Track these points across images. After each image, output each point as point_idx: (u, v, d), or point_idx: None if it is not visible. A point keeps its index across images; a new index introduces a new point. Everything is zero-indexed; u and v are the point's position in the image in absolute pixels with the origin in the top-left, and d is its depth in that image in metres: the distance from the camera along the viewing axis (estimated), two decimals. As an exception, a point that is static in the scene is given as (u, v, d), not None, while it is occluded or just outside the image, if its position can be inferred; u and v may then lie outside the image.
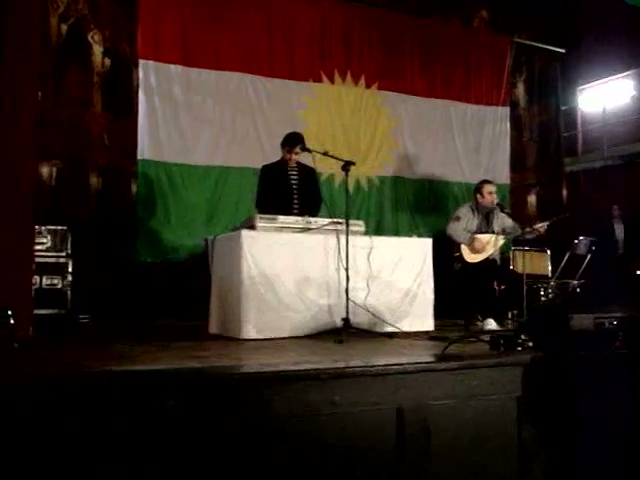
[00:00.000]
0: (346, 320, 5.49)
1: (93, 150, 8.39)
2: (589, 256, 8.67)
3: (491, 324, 6.49)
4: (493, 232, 7.09)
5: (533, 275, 8.26)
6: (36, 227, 5.84)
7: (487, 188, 7.17)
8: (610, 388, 4.15)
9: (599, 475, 4.11)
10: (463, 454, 3.83)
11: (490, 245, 7.00)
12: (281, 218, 5.84)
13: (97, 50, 8.51)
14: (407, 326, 5.99)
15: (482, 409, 3.92)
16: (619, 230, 10.60)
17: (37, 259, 5.98)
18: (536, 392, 4.07)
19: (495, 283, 7.21)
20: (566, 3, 11.66)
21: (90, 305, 6.92)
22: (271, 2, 8.87)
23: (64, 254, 6.66)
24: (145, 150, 7.97)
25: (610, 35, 11.72)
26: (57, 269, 6.59)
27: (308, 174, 6.69)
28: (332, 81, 9.29)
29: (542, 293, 8.12)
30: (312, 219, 6.02)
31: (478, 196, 7.19)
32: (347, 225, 5.74)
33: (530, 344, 4.35)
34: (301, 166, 6.69)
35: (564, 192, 12.03)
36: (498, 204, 7.20)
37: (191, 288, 6.96)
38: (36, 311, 5.59)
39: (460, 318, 6.85)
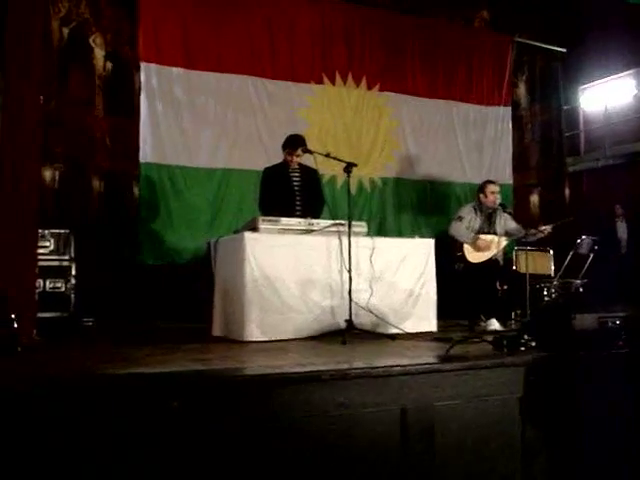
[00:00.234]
0: (349, 321, 5.49)
1: (95, 153, 8.41)
2: (592, 255, 8.66)
3: (494, 324, 6.49)
4: (495, 233, 7.09)
5: (536, 275, 8.24)
6: (39, 230, 5.84)
7: (490, 188, 7.17)
8: (613, 387, 4.16)
9: (601, 475, 4.11)
10: (467, 454, 3.84)
11: (493, 245, 7.00)
12: (284, 220, 5.84)
13: (99, 53, 8.53)
14: (410, 327, 5.98)
15: (485, 409, 3.93)
16: (622, 229, 10.60)
17: (40, 262, 5.98)
18: (539, 392, 4.07)
19: (498, 283, 7.20)
20: (567, 2, 11.66)
21: (93, 308, 6.93)
22: (272, 4, 8.88)
23: (67, 257, 6.67)
24: (147, 153, 7.98)
25: (611, 34, 11.72)
26: (60, 272, 6.60)
27: (310, 176, 6.69)
28: (333, 82, 9.29)
29: (545, 293, 8.11)
30: (314, 221, 6.02)
31: (481, 196, 7.19)
32: (349, 226, 5.74)
33: (533, 344, 4.35)
34: (303, 168, 6.69)
35: (567, 192, 12.02)
36: (500, 204, 7.19)
37: (194, 290, 6.96)
38: (40, 314, 5.59)
39: (463, 318, 6.84)
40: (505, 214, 7.26)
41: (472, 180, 9.89)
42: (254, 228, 5.69)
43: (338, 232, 5.84)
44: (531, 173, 11.58)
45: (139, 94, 8.09)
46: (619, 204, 10.65)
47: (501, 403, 3.98)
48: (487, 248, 6.96)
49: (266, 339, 5.38)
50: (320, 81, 9.20)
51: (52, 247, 6.60)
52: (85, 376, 3.51)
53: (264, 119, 8.74)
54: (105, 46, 8.55)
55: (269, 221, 5.77)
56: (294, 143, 6.55)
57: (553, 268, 8.87)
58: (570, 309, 4.77)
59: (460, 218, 7.13)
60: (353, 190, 8.71)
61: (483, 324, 6.62)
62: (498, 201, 7.16)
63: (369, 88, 9.54)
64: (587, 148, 13.00)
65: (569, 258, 8.44)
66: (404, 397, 3.64)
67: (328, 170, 8.35)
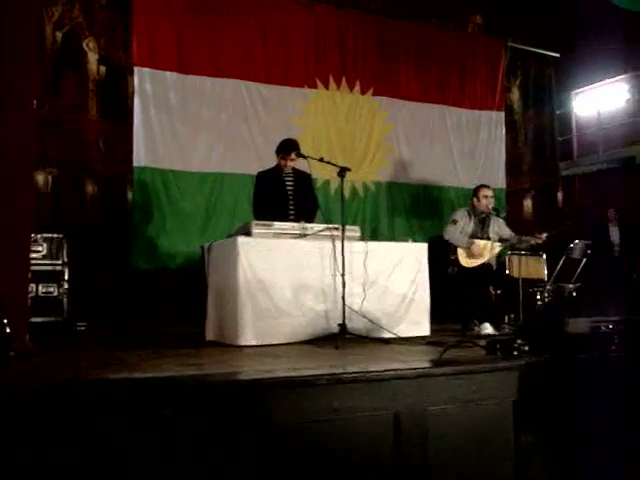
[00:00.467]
0: (342, 326, 5.48)
1: (89, 157, 8.39)
2: (585, 260, 8.68)
3: (487, 329, 6.49)
4: (488, 237, 7.09)
5: (529, 279, 8.26)
6: (32, 235, 5.83)
7: (483, 192, 7.17)
8: (607, 391, 4.16)
9: (596, 478, 4.11)
10: (461, 459, 3.83)
11: (487, 251, 7.01)
12: (277, 224, 5.83)
13: (92, 57, 8.51)
14: (404, 331, 5.98)
15: (479, 414, 3.92)
16: (615, 233, 10.63)
17: (33, 267, 5.97)
18: (533, 396, 4.08)
19: (491, 287, 7.21)
20: (560, 8, 11.69)
21: (86, 312, 6.92)
22: (266, 9, 8.90)
23: (60, 262, 6.66)
24: (141, 157, 7.99)
25: (604, 39, 11.77)
26: (53, 277, 6.59)
27: (304, 180, 6.69)
28: (327, 87, 9.32)
29: (538, 297, 8.12)
30: (308, 225, 6.01)
31: (474, 200, 7.20)
32: (343, 231, 5.74)
33: (526, 348, 4.36)
34: (297, 172, 6.69)
35: (560, 196, 12.05)
36: (494, 209, 7.20)
37: (187, 295, 6.95)
38: (32, 319, 5.57)
39: (457, 323, 6.85)
40: (499, 219, 7.26)
41: (465, 184, 9.93)
42: (247, 232, 5.68)
43: (332, 236, 5.83)
44: (524, 177, 11.60)
45: (133, 98, 8.11)
46: (612, 208, 10.68)
47: (495, 407, 3.98)
48: (481, 253, 6.96)
49: (259, 343, 5.36)
50: (314, 85, 9.23)
51: (45, 251, 6.59)
52: (78, 381, 3.50)
53: (258, 123, 8.76)
54: (99, 50, 8.54)
55: (262, 225, 5.76)
56: (288, 147, 6.55)
57: (546, 272, 8.89)
58: (563, 313, 4.78)
59: (454, 222, 7.14)
60: (347, 194, 8.75)
61: (476, 328, 6.62)
62: (491, 205, 7.16)
63: (363, 92, 9.57)
64: (580, 153, 13.05)
65: (562, 262, 8.45)
66: (397, 402, 3.63)
67: (322, 174, 8.38)
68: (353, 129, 9.48)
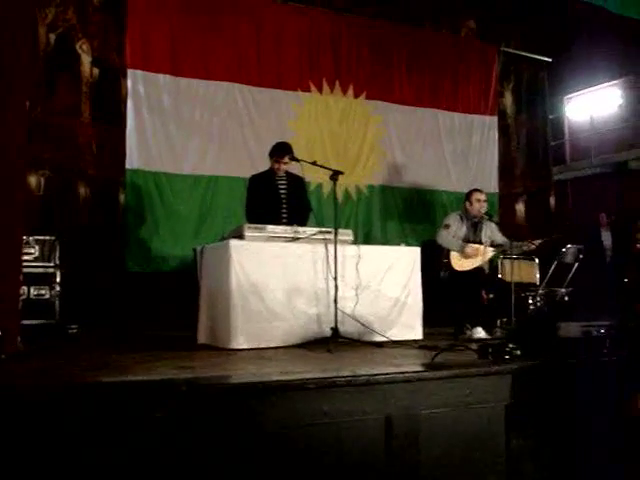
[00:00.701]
0: (335, 329, 5.49)
1: (82, 160, 8.36)
2: (577, 264, 8.69)
3: (480, 333, 6.49)
4: (480, 242, 7.10)
5: (521, 283, 8.27)
6: (24, 237, 5.81)
7: (475, 196, 7.18)
8: (598, 395, 4.17)
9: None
10: (452, 462, 3.84)
11: (479, 254, 7.02)
12: (270, 228, 5.83)
13: (85, 60, 8.49)
14: (396, 335, 5.98)
15: (471, 418, 3.93)
16: (607, 238, 10.66)
17: (25, 269, 5.95)
18: (525, 400, 4.09)
19: (483, 291, 7.21)
20: (553, 13, 11.73)
21: (79, 315, 6.90)
22: (260, 12, 8.91)
23: (52, 264, 6.64)
24: (134, 160, 7.99)
25: (597, 44, 11.82)
26: (45, 279, 6.57)
27: (297, 183, 6.70)
28: (320, 90, 9.32)
29: (530, 301, 8.13)
30: (301, 228, 6.01)
31: (467, 204, 7.21)
32: (335, 234, 5.74)
33: (518, 353, 4.36)
34: (290, 175, 6.69)
35: (552, 200, 12.07)
36: (486, 213, 7.21)
37: (180, 298, 6.94)
38: (24, 321, 5.56)
39: (449, 326, 6.85)
40: (491, 224, 7.27)
41: (458, 188, 9.95)
42: (240, 235, 5.68)
43: (324, 240, 5.84)
44: (517, 182, 11.62)
45: (126, 101, 8.11)
46: (604, 213, 10.71)
47: (487, 411, 3.99)
48: (474, 257, 6.97)
49: (251, 347, 5.36)
50: (307, 89, 9.23)
51: (37, 254, 6.57)
52: (70, 383, 3.49)
53: (251, 126, 8.76)
54: (92, 52, 8.51)
55: (255, 228, 5.76)
56: (281, 151, 6.55)
57: (538, 276, 8.90)
58: (555, 317, 4.79)
59: (447, 226, 7.14)
60: (340, 198, 8.75)
61: (468, 332, 6.62)
62: (484, 210, 7.18)
63: (356, 96, 9.58)
64: (573, 157, 13.10)
65: (554, 266, 8.47)
66: (389, 405, 3.64)
67: (315, 178, 8.39)
68: (346, 133, 9.49)
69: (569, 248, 8.62)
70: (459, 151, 10.42)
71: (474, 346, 4.82)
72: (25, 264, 6.04)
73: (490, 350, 4.44)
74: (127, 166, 7.97)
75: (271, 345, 5.47)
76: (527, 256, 8.42)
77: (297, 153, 6.58)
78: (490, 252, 7.15)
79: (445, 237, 7.06)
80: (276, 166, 6.58)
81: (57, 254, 6.68)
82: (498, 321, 7.44)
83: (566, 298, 8.39)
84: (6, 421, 2.88)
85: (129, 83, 8.07)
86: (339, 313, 5.54)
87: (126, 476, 3.04)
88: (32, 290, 6.47)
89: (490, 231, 7.23)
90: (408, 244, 7.21)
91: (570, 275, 8.62)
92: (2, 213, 4.93)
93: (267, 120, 8.85)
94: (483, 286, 7.15)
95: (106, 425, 3.02)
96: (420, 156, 10.07)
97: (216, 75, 8.58)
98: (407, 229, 9.79)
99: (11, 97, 5.05)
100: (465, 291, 6.83)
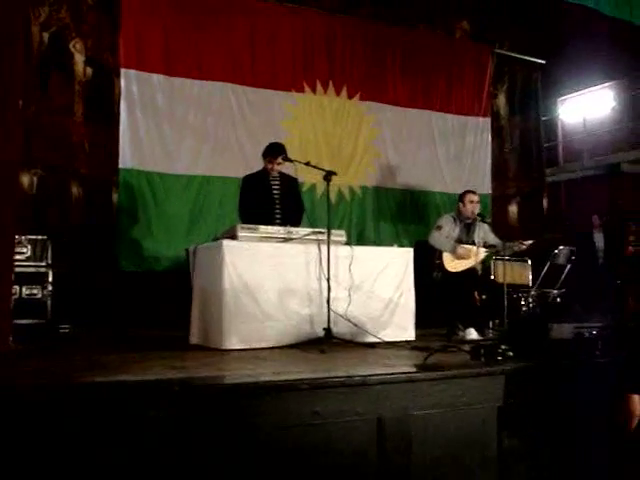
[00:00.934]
0: (328, 330, 5.49)
1: (74, 159, 8.34)
2: (569, 266, 8.71)
3: (472, 334, 6.50)
4: (473, 243, 7.11)
5: (514, 285, 8.27)
6: (16, 236, 5.79)
7: (468, 197, 7.20)
8: (591, 397, 4.18)
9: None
10: (444, 464, 3.85)
11: (472, 255, 7.03)
12: (263, 228, 5.83)
13: (79, 59, 8.47)
14: (389, 336, 5.98)
15: (463, 419, 3.94)
16: (599, 239, 10.68)
17: (17, 269, 5.93)
18: (517, 401, 4.09)
19: (476, 293, 7.23)
20: (547, 15, 11.75)
21: (71, 315, 6.88)
22: (254, 12, 8.89)
23: (44, 264, 6.62)
24: (127, 159, 7.97)
25: (590, 46, 11.85)
26: (37, 279, 6.55)
27: (290, 184, 6.70)
28: (314, 91, 9.32)
29: (523, 303, 8.14)
30: (294, 229, 6.01)
31: (460, 205, 7.23)
32: (329, 235, 5.74)
33: (511, 354, 4.37)
34: (283, 176, 6.68)
35: (545, 202, 12.10)
36: (479, 214, 7.23)
37: (172, 298, 6.93)
38: (16, 321, 5.55)
39: (442, 327, 6.86)
40: (484, 225, 7.29)
41: (451, 190, 9.95)
42: (233, 236, 5.67)
43: (317, 241, 5.83)
44: (510, 183, 11.64)
45: (119, 100, 8.08)
46: (597, 215, 10.74)
47: (479, 412, 3.99)
48: (466, 257, 6.98)
49: (244, 347, 5.35)
50: (301, 89, 9.23)
51: (29, 253, 6.55)
52: (62, 383, 3.48)
53: (244, 127, 8.75)
54: (85, 52, 8.49)
55: (248, 229, 5.75)
56: (274, 151, 6.55)
57: (531, 278, 8.91)
58: (547, 319, 4.80)
59: (439, 227, 7.16)
60: (333, 199, 8.73)
61: (461, 333, 6.64)
62: (477, 211, 7.19)
63: (350, 97, 9.58)
64: (566, 159, 13.12)
65: (547, 268, 8.48)
66: (381, 406, 3.64)
67: (308, 178, 8.39)
68: (340, 133, 9.49)
69: (561, 249, 8.64)
70: (452, 152, 10.43)
71: (467, 347, 4.82)
72: (17, 263, 6.02)
73: (482, 351, 4.44)
74: (120, 165, 7.95)
75: (264, 345, 5.46)
76: (519, 257, 8.44)
77: (290, 153, 6.57)
78: (482, 253, 7.17)
79: (437, 238, 7.07)
80: (269, 166, 6.58)
81: (49, 253, 6.65)
82: (491, 322, 7.46)
83: (558, 299, 8.40)
84: (-3, 421, 2.88)
85: (122, 83, 8.04)
86: (332, 314, 5.54)
87: (120, 475, 3.03)
88: (24, 289, 6.44)
89: (483, 232, 7.25)
90: (401, 245, 7.22)
91: (562, 277, 8.63)
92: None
93: (261, 120, 8.84)
94: (476, 287, 7.17)
95: (98, 425, 3.01)
96: (413, 157, 10.07)
97: (210, 75, 8.56)
98: (400, 230, 9.79)
99: (4, 96, 5.04)
100: (458, 292, 6.84)
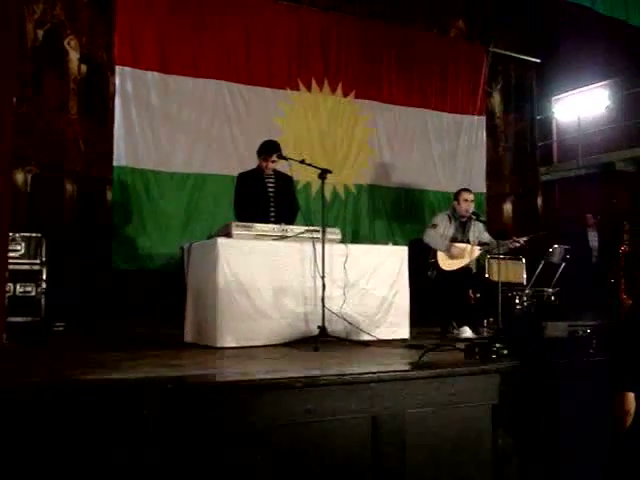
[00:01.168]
0: (322, 328, 5.48)
1: (69, 157, 8.33)
2: (563, 264, 8.73)
3: (466, 332, 6.50)
4: (468, 241, 7.12)
5: (508, 283, 8.30)
6: (10, 234, 5.77)
7: (463, 195, 7.20)
8: (584, 395, 4.18)
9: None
10: (438, 462, 3.84)
11: (466, 254, 7.03)
12: (257, 226, 5.81)
13: (73, 56, 8.46)
14: (383, 334, 5.98)
15: (457, 417, 3.93)
16: (593, 238, 10.69)
17: (11, 266, 5.90)
18: (511, 400, 4.09)
19: (470, 291, 7.23)
20: (542, 14, 11.76)
21: (65, 313, 6.87)
22: (249, 10, 8.89)
23: (38, 261, 6.61)
24: (121, 157, 7.97)
25: (585, 45, 11.84)
26: (31, 276, 6.54)
27: (285, 182, 6.68)
28: (309, 89, 9.32)
29: (517, 301, 8.16)
30: (288, 227, 5.99)
31: (455, 203, 7.23)
32: (323, 233, 5.74)
33: (505, 352, 4.37)
34: (278, 174, 6.67)
35: (539, 201, 12.14)
36: (473, 213, 7.23)
37: (167, 296, 6.92)
38: (10, 319, 5.53)
39: (436, 326, 6.86)
40: (479, 223, 7.29)
41: (446, 188, 9.97)
42: (228, 234, 5.66)
43: (312, 239, 5.82)
44: (504, 182, 11.67)
45: (114, 98, 8.07)
46: (591, 213, 10.74)
47: (473, 411, 3.99)
48: (460, 256, 6.98)
49: (238, 345, 5.34)
50: (296, 87, 9.23)
51: (23, 251, 6.54)
52: (54, 382, 3.48)
53: (239, 124, 8.75)
54: (80, 49, 8.48)
55: (243, 227, 5.73)
56: (269, 149, 6.53)
57: (525, 276, 8.93)
58: (541, 317, 4.80)
59: (434, 226, 7.16)
60: (328, 197, 8.75)
61: (455, 331, 6.64)
62: (471, 209, 7.19)
63: (345, 95, 9.59)
64: (560, 158, 13.10)
65: (541, 267, 8.50)
66: (376, 404, 3.63)
67: (303, 177, 8.38)
68: (335, 131, 9.49)
69: (556, 248, 8.66)
70: (447, 151, 10.45)
71: (461, 345, 4.82)
72: (11, 261, 5.99)
73: (477, 350, 4.44)
74: (114, 163, 7.94)
75: (258, 344, 5.45)
76: (514, 254, 8.45)
77: (285, 151, 6.56)
78: (477, 251, 7.17)
79: (432, 236, 7.07)
80: (264, 164, 6.56)
81: (43, 251, 6.64)
82: (485, 321, 7.47)
83: (553, 298, 8.42)
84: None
85: (117, 80, 8.04)
86: (326, 312, 5.53)
87: (113, 474, 3.02)
88: (18, 287, 6.43)
89: (478, 231, 7.25)
90: (396, 243, 7.22)
91: (557, 275, 8.65)
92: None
93: (255, 118, 8.84)
94: (470, 286, 7.18)
95: (91, 424, 3.01)
96: (408, 155, 10.09)
97: (205, 73, 8.56)
98: (395, 228, 9.81)
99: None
100: (452, 290, 6.84)
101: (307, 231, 5.93)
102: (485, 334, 6.74)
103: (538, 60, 11.66)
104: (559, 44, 12.12)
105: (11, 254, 6.09)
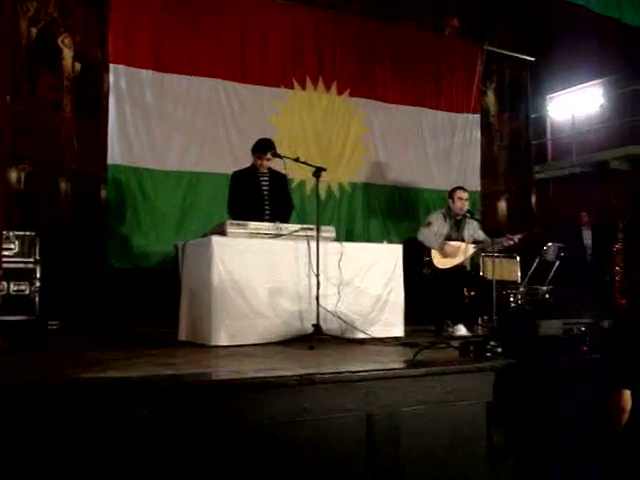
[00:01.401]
0: (317, 326, 5.48)
1: (63, 155, 8.32)
2: (558, 262, 8.74)
3: (461, 330, 6.52)
4: (463, 239, 7.12)
5: (503, 281, 8.31)
6: (4, 232, 5.76)
7: (458, 194, 7.21)
8: (579, 392, 4.19)
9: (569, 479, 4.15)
10: (433, 460, 3.85)
11: (461, 252, 7.03)
12: (252, 224, 5.81)
13: (67, 54, 8.44)
14: (378, 332, 5.99)
15: (452, 415, 3.94)
16: (587, 236, 10.70)
17: (5, 265, 5.91)
18: (505, 397, 4.10)
19: (465, 289, 7.24)
20: (536, 12, 11.77)
21: (59, 311, 6.85)
22: (244, 8, 8.88)
23: (32, 260, 6.60)
24: (115, 155, 7.94)
25: (579, 44, 11.85)
26: (25, 275, 6.53)
27: (279, 180, 6.67)
28: (304, 87, 9.31)
29: (512, 299, 8.18)
30: (283, 225, 5.99)
31: (450, 201, 7.24)
32: (318, 231, 5.73)
33: (499, 350, 4.38)
34: (272, 172, 6.67)
35: (533, 199, 12.15)
36: (468, 211, 7.23)
37: (161, 294, 6.91)
38: (3, 317, 5.53)
39: (430, 324, 6.87)
40: (473, 221, 7.29)
41: (441, 186, 9.97)
42: (222, 232, 5.65)
43: (307, 237, 5.83)
44: (499, 180, 11.69)
45: (108, 96, 8.04)
46: (585, 212, 10.76)
47: (468, 408, 4.00)
48: (454, 254, 6.99)
49: (233, 344, 5.34)
50: (291, 86, 9.22)
51: (17, 249, 6.53)
52: (49, 381, 3.47)
53: (234, 123, 8.73)
54: (74, 47, 8.47)
55: (237, 225, 5.73)
56: (263, 147, 6.52)
57: (520, 274, 8.94)
58: (536, 315, 4.81)
59: (429, 224, 7.16)
60: (322, 195, 8.75)
61: (450, 330, 6.65)
62: (466, 207, 7.20)
63: (339, 93, 9.58)
64: (554, 156, 13.10)
65: (535, 265, 8.51)
66: (370, 402, 3.64)
67: (297, 175, 8.38)
68: (330, 130, 9.49)
69: (550, 246, 8.68)
70: (442, 149, 10.45)
71: (455, 343, 4.83)
72: (5, 259, 5.99)
73: (471, 348, 4.45)
74: (109, 162, 7.92)
75: (253, 342, 5.44)
76: (508, 252, 8.46)
77: (280, 150, 6.55)
78: (471, 249, 7.18)
79: (426, 235, 7.08)
80: (258, 162, 6.55)
81: (37, 249, 6.64)
82: (479, 319, 7.48)
83: (547, 296, 8.44)
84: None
85: (111, 78, 8.01)
86: (321, 310, 5.53)
87: (109, 473, 3.02)
88: (12, 285, 6.43)
89: (472, 229, 7.26)
90: (390, 242, 7.21)
91: (551, 273, 8.67)
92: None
93: (250, 116, 8.83)
94: (465, 284, 7.18)
95: (86, 423, 3.00)
96: (403, 154, 10.09)
97: (199, 71, 8.54)
98: (390, 227, 9.81)
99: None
100: (447, 289, 6.85)
101: (302, 229, 5.93)
102: (480, 332, 6.74)
103: (532, 59, 11.66)
104: (553, 43, 12.12)
105: (5, 252, 6.08)
